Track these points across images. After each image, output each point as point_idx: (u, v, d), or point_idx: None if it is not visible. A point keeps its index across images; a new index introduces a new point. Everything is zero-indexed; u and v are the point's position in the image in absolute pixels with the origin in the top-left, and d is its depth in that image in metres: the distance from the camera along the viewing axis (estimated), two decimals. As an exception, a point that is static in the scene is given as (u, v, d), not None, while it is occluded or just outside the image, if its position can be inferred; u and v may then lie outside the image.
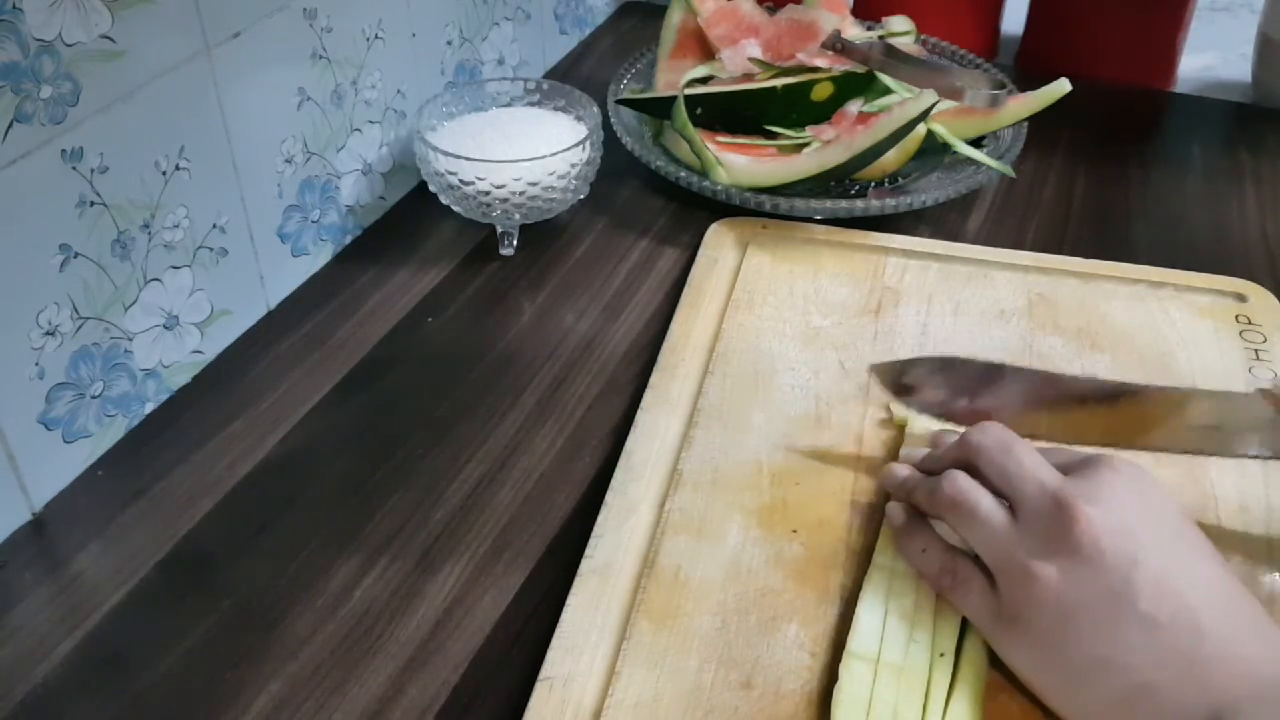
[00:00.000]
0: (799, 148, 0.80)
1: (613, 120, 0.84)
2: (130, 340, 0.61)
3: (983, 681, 0.47)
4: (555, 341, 0.69)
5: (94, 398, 0.59)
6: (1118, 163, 0.89)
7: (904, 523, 0.52)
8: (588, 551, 0.53)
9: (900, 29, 0.92)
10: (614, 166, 0.82)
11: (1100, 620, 0.44)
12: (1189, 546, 0.46)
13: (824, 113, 0.82)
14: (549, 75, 1.01)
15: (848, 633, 0.49)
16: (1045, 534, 0.46)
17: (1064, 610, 0.44)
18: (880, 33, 0.91)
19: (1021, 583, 0.45)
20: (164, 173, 0.61)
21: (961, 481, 0.49)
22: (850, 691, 0.46)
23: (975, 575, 0.48)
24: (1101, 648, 0.43)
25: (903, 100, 0.76)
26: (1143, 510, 0.46)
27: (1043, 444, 0.52)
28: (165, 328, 0.63)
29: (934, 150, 0.81)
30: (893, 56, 0.84)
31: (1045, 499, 0.46)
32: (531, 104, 0.81)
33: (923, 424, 0.60)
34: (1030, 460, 0.48)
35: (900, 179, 0.82)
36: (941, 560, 0.50)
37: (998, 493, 0.49)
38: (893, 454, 0.59)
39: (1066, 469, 0.48)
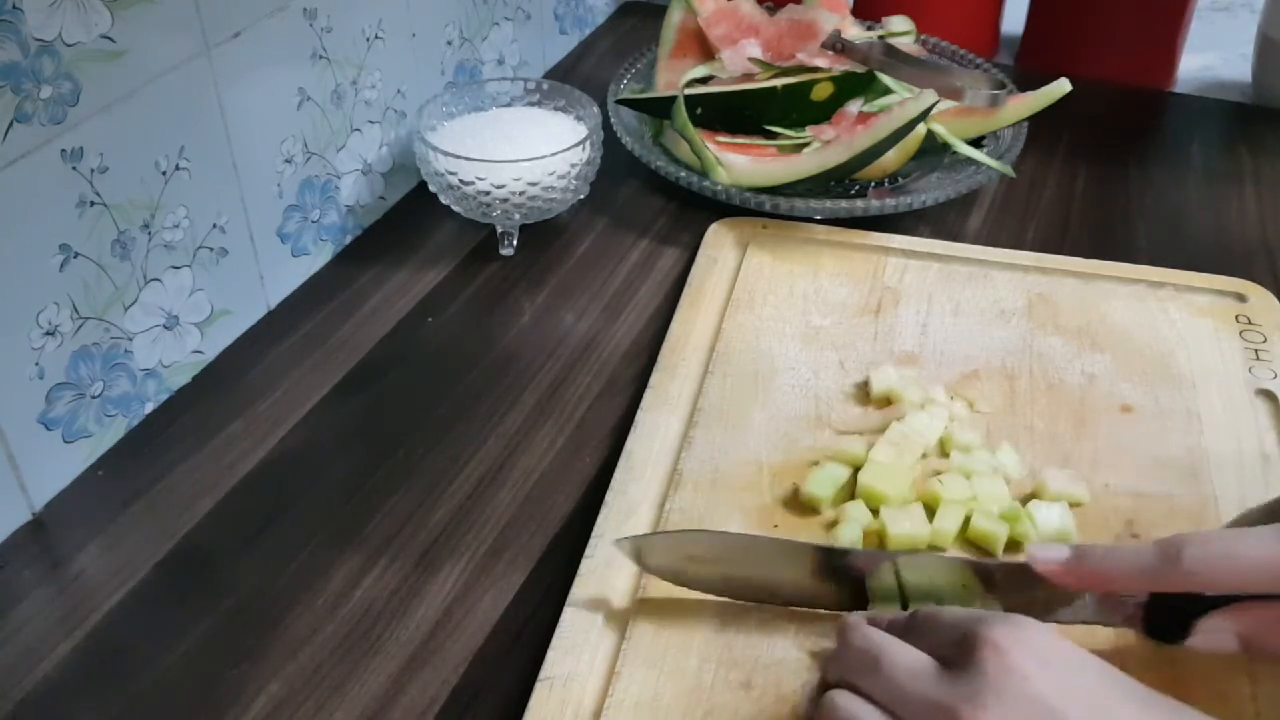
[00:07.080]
0: (799, 148, 0.80)
1: (613, 120, 0.84)
2: (130, 340, 0.61)
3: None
4: (555, 341, 0.69)
5: (94, 398, 0.59)
6: (1118, 163, 0.89)
7: None
8: (588, 551, 0.53)
9: (900, 29, 0.92)
10: (614, 166, 0.82)
11: None
12: (1115, 702, 0.39)
13: (824, 113, 0.82)
14: (549, 75, 1.01)
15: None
16: None
17: None
18: (880, 33, 0.91)
19: None
20: (164, 173, 0.61)
21: (839, 710, 0.43)
22: None
23: None
24: None
25: (903, 100, 0.76)
26: (1044, 690, 0.38)
27: (924, 609, 0.46)
28: (165, 328, 0.63)
29: (934, 150, 0.81)
30: (893, 56, 0.84)
31: (930, 714, 0.40)
32: (531, 104, 0.81)
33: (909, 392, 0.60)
34: (906, 667, 0.42)
35: (900, 179, 0.82)
36: None
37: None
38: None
39: (945, 654, 0.42)
